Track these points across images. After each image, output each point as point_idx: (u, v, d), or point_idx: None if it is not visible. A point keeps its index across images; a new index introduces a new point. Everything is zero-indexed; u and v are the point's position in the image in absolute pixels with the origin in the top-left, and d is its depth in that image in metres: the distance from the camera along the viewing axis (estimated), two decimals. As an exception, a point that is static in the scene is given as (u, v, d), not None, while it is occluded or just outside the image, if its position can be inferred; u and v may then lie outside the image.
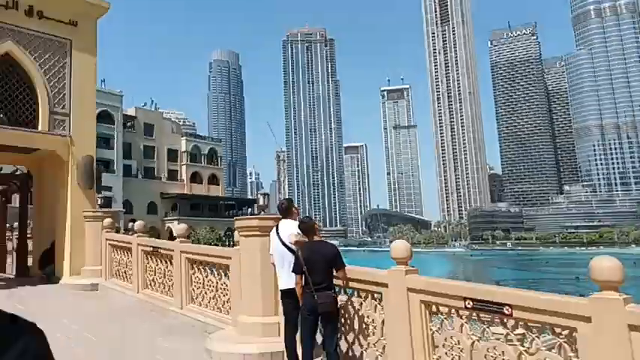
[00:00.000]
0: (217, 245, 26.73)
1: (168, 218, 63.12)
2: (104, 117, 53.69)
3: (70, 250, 13.08)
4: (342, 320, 5.46)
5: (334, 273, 5.02)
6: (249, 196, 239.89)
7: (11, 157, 16.06)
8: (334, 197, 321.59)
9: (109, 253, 12.09)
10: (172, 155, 67.84)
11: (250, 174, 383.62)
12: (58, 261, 13.62)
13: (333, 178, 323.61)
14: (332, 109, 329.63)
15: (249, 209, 68.38)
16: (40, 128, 12.91)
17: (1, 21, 12.39)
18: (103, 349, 6.67)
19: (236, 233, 7.20)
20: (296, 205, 5.95)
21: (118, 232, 13.11)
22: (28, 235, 16.54)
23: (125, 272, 11.41)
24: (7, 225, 19.24)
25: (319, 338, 5.03)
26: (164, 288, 9.69)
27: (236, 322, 6.87)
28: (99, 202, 13.56)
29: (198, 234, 56.85)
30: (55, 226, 13.96)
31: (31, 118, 12.99)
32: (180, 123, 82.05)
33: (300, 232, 5.23)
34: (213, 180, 72.57)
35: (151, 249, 10.16)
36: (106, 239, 12.19)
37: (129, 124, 62.03)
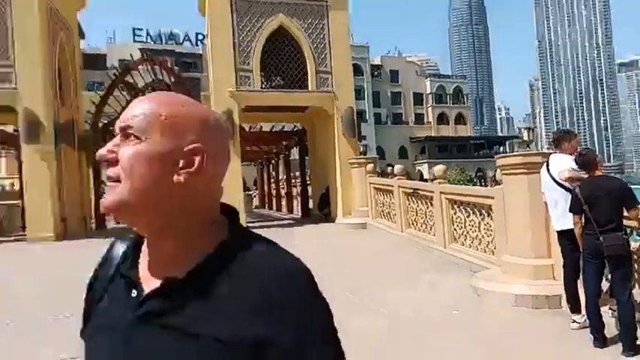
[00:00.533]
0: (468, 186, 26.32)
1: (419, 161, 64.94)
2: (355, 69, 57.49)
3: (341, 193, 14.89)
4: (636, 266, 4.77)
5: (624, 212, 4.37)
6: (500, 134, 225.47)
7: (289, 116, 19.00)
8: (604, 127, 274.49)
9: (374, 196, 13.29)
10: (418, 99, 68.66)
11: (499, 109, 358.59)
12: (333, 203, 15.71)
13: (603, 103, 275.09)
14: (598, 22, 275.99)
15: (501, 148, 64.46)
16: (310, 88, 14.85)
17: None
18: (381, 275, 7.49)
19: (497, 172, 6.94)
20: (576, 133, 5.28)
21: (379, 176, 14.25)
22: (307, 182, 19.48)
23: (389, 212, 12.39)
24: (292, 174, 23.12)
25: (604, 285, 4.52)
26: (426, 227, 10.16)
27: (502, 263, 6.74)
28: (361, 150, 14.96)
29: (448, 176, 56.80)
30: (327, 173, 16.06)
31: (303, 79, 15.01)
32: (423, 65, 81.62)
33: (575, 167, 4.67)
34: (460, 119, 70.76)
35: (411, 190, 10.73)
36: (370, 183, 13.40)
37: (376, 73, 65.24)
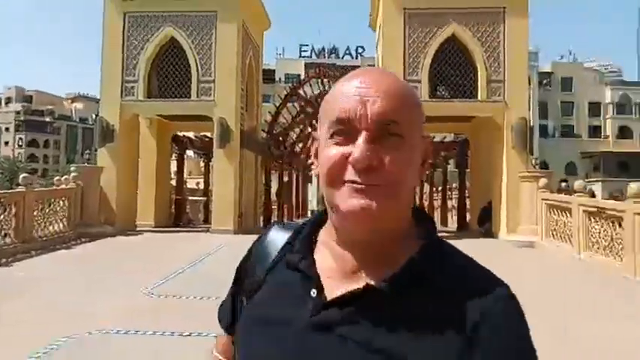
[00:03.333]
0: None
1: (591, 180, 57.84)
2: (519, 79, 53.72)
3: (506, 208, 14.08)
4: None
5: None
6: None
7: (452, 127, 18.63)
8: None
9: (545, 213, 12.31)
10: (594, 109, 61.23)
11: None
12: (495, 218, 14.91)
13: None
14: None
15: None
16: (479, 97, 14.40)
17: (445, 7, 14.38)
18: (553, 303, 6.85)
19: None
20: None
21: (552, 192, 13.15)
22: (466, 195, 18.81)
23: (563, 232, 11.37)
24: (447, 186, 22.58)
25: None
26: (611, 251, 9.11)
27: None
28: (533, 163, 13.99)
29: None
30: (490, 187, 15.31)
31: (471, 89, 14.62)
32: (604, 70, 72.58)
33: None
34: (648, 133, 61.11)
35: (595, 209, 9.71)
36: (542, 199, 12.45)
37: (544, 81, 60.04)
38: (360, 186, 0.67)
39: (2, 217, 10.20)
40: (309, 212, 33.25)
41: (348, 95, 0.70)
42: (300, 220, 0.88)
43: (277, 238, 0.83)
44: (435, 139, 21.48)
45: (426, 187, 27.70)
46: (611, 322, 5.81)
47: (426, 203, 26.70)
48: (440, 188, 23.23)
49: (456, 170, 21.73)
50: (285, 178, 25.98)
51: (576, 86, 61.58)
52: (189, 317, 5.63)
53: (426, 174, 20.64)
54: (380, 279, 0.69)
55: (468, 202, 18.56)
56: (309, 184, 35.22)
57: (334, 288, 0.72)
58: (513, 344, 0.66)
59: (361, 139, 0.67)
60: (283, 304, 0.75)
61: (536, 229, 12.69)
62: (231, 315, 0.85)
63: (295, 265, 0.76)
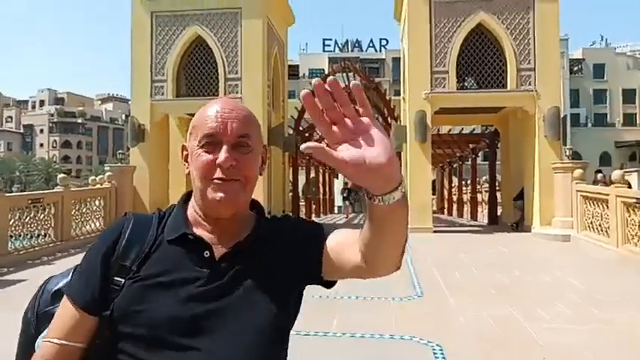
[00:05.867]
0: None
1: (628, 170, 55.87)
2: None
3: (539, 201, 13.74)
4: None
5: None
6: None
7: (480, 118, 18.30)
8: None
9: (581, 205, 11.96)
10: (629, 96, 59.07)
11: None
12: (527, 211, 14.57)
13: None
14: None
15: None
16: (508, 87, 14.06)
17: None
18: (590, 298, 6.62)
19: None
20: None
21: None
22: (497, 188, 18.44)
23: (600, 225, 11.02)
24: (477, 179, 22.18)
25: None
26: (652, 244, 8.79)
27: None
28: (566, 154, 13.60)
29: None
30: (522, 179, 14.97)
31: (500, 78, 14.29)
32: (639, 55, 69.93)
33: None
34: (688, 121, 58.68)
35: (634, 200, 9.38)
36: (577, 191, 12.09)
37: (575, 68, 58.28)
38: (222, 183, 0.98)
39: (42, 216, 10.53)
40: (335, 208, 33.16)
41: (212, 118, 1.01)
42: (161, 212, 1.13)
43: (141, 223, 1.07)
44: (462, 132, 21.17)
45: (455, 181, 27.29)
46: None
47: (454, 197, 26.31)
48: (469, 182, 22.84)
49: (485, 163, 21.36)
50: (312, 175, 26.03)
51: (609, 72, 59.58)
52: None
53: (451, 168, 20.40)
54: (240, 240, 1.04)
55: (498, 195, 18.20)
56: (336, 180, 35.10)
57: (218, 250, 1.02)
58: (297, 224, 1.15)
59: (224, 148, 0.99)
60: (179, 269, 1.00)
61: (570, 222, 12.33)
62: (99, 294, 1.00)
63: (183, 236, 1.02)
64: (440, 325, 5.12)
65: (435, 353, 4.18)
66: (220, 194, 0.98)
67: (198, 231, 1.04)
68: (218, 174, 0.98)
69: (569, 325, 5.11)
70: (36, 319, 1.08)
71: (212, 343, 0.95)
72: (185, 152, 1.07)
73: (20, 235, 9.58)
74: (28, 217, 10.02)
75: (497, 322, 5.16)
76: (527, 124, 14.28)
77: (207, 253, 1.01)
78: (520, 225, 14.76)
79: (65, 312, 1.01)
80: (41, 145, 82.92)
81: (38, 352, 1.01)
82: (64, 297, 1.03)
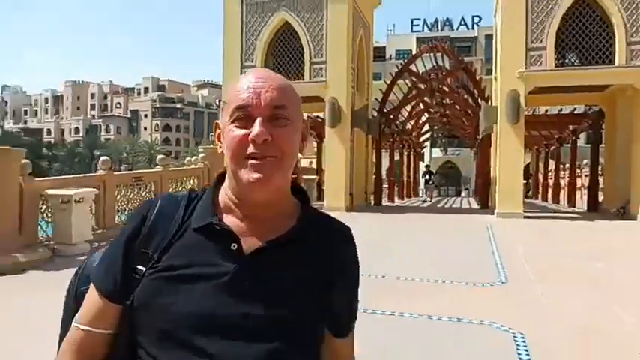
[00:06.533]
0: None
1: None
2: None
3: (649, 187, 12.44)
4: None
5: None
6: None
7: (582, 97, 16.83)
8: None
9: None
10: None
11: None
12: (633, 197, 13.29)
13: None
14: None
15: None
16: (616, 63, 12.75)
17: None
18: None
19: None
20: None
21: None
22: (599, 173, 16.95)
23: None
24: (577, 163, 20.53)
25: None
26: None
27: None
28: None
29: None
30: (629, 164, 13.63)
31: (608, 53, 12.98)
32: None
33: None
34: None
35: None
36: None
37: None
38: (258, 162, 0.87)
39: (145, 193, 11.57)
40: (419, 191, 32.53)
41: (244, 89, 0.89)
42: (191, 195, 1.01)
43: (168, 207, 0.97)
44: (561, 111, 19.64)
45: (551, 164, 25.50)
46: None
47: (550, 182, 24.61)
48: (567, 165, 21.20)
49: (587, 146, 19.69)
50: (397, 157, 25.68)
51: None
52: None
53: (547, 151, 19.04)
54: (278, 234, 0.92)
55: (600, 180, 16.75)
56: (421, 163, 34.36)
57: (248, 242, 0.91)
58: (355, 274, 1.02)
59: (258, 121, 0.87)
60: (203, 261, 0.90)
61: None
62: (121, 282, 0.93)
63: (209, 225, 0.91)
64: (523, 312, 4.91)
65: (516, 341, 4.03)
66: (256, 175, 0.87)
67: (227, 219, 0.94)
68: (251, 149, 0.87)
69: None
70: (75, 298, 1.03)
71: (230, 347, 0.85)
72: (218, 131, 0.96)
73: (125, 210, 10.56)
74: (132, 194, 11.05)
75: (588, 314, 4.84)
76: (638, 103, 12.90)
77: (234, 246, 0.90)
78: (625, 212, 13.53)
79: (91, 297, 0.95)
80: (145, 128, 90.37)
81: (68, 334, 0.96)
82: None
